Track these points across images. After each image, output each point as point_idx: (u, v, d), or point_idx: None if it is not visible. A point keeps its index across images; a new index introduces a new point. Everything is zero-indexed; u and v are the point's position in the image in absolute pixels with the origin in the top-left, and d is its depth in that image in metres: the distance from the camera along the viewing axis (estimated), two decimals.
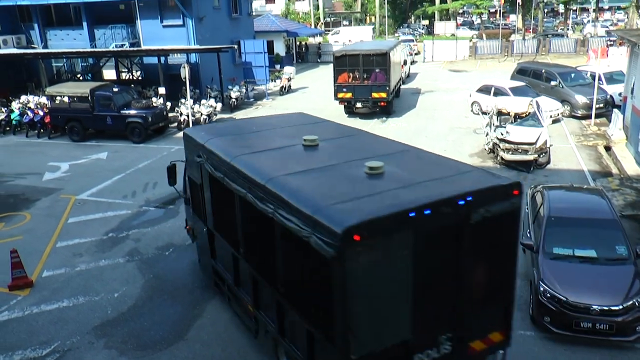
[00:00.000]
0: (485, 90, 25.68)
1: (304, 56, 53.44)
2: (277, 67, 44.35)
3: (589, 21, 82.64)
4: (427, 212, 6.51)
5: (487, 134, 19.61)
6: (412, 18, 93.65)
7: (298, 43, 54.07)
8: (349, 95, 25.84)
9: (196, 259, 12.70)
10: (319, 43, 55.14)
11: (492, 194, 7.07)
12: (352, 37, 56.82)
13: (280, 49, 47.49)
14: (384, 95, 25.51)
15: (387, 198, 6.80)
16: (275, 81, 37.72)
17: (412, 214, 6.43)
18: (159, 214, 15.52)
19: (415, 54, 49.38)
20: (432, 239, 6.73)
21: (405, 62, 36.15)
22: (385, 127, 24.16)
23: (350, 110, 26.83)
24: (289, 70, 35.23)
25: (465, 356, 7.57)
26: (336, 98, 26.18)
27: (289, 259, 7.53)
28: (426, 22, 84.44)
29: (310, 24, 70.65)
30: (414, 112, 27.01)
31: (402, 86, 33.85)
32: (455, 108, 27.48)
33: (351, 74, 25.88)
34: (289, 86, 34.03)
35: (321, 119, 11.12)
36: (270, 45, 44.82)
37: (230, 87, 30.85)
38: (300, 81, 39.09)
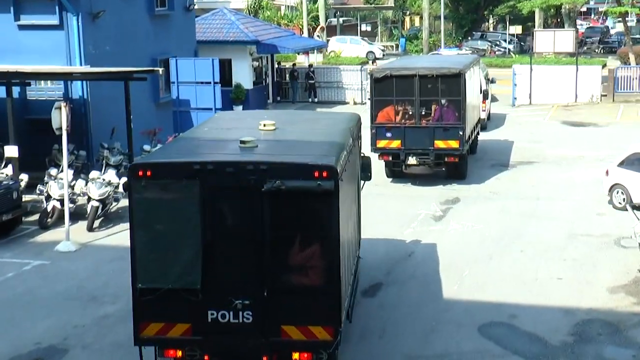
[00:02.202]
0: (639, 163, 20.08)
1: (289, 91, 40.31)
2: (239, 109, 34.27)
3: None
4: (210, 167, 9.42)
5: None
6: (491, 21, 71.68)
7: (278, 64, 40.55)
8: (395, 143, 21.96)
9: None
10: (310, 66, 40.42)
11: (291, 169, 9.34)
12: None
13: (244, 75, 35.84)
14: (454, 144, 21.77)
15: (199, 156, 10.33)
16: None
17: (196, 167, 9.43)
18: None
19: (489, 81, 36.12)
20: (222, 195, 9.41)
21: (486, 95, 30.38)
22: (443, 230, 18.98)
23: (399, 171, 23.02)
24: None
25: (280, 341, 9.54)
26: (374, 149, 22.09)
27: None
28: (518, 28, 59.18)
29: (301, 29, 54.22)
30: (497, 201, 21.46)
31: (480, 137, 28.23)
32: (577, 195, 22.25)
33: (400, 109, 22.17)
34: None
35: (344, 116, 14.81)
36: (225, 68, 34.31)
37: (147, 147, 23.30)
38: None
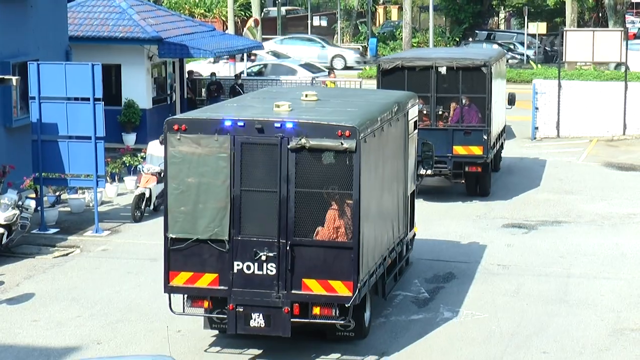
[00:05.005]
0: None
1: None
2: (131, 138, 28.94)
3: None
4: (241, 124, 11.11)
5: None
6: (502, 15, 54.90)
7: (189, 74, 33.34)
8: None
9: None
10: (237, 77, 33.43)
11: (316, 128, 11.06)
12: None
13: (139, 88, 29.63)
14: (477, 150, 21.34)
15: (232, 114, 11.70)
16: (122, 180, 24.22)
17: (227, 123, 11.14)
18: None
19: None
20: (250, 150, 11.15)
21: (511, 100, 27.46)
22: (430, 320, 16.06)
23: None
24: (159, 150, 22.07)
25: (301, 294, 11.15)
26: None
27: None
28: (541, 26, 46.44)
29: (225, 23, 45.27)
30: (509, 279, 18.78)
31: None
32: (625, 272, 19.13)
33: None
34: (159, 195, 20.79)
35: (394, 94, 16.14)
36: (112, 78, 29.07)
37: None
38: None
